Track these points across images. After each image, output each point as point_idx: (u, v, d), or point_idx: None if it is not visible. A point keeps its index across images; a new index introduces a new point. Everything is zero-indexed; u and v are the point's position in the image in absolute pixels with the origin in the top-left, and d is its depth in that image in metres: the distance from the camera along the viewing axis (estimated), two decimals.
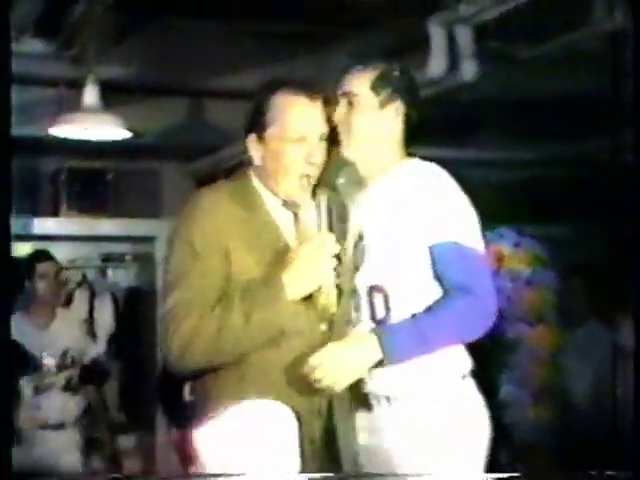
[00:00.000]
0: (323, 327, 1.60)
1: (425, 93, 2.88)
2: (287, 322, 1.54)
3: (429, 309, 1.56)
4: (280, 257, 1.57)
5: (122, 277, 4.42)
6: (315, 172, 1.61)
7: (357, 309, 1.64)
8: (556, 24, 2.58)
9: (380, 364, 1.53)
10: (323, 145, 1.62)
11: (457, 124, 3.42)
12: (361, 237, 1.66)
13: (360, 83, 1.64)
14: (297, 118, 1.59)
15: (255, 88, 1.65)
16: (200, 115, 3.75)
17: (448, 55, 2.71)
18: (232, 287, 1.55)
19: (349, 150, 1.65)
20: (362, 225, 1.66)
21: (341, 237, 1.63)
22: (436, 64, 2.71)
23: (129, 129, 3.15)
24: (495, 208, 1.73)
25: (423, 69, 2.73)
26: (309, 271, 1.53)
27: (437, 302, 1.56)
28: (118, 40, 3.02)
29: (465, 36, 2.68)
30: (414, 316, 1.56)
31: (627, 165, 1.61)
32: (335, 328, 1.61)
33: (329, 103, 1.63)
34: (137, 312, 4.17)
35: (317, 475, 1.52)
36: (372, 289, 1.61)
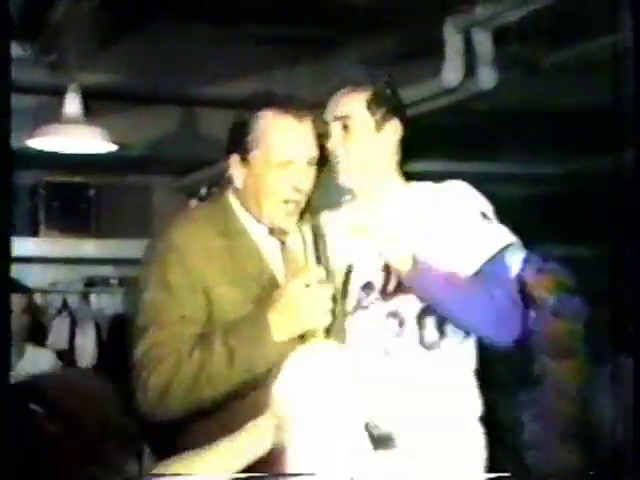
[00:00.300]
0: None
1: (440, 102, 2.91)
2: (275, 362, 1.48)
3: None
4: (267, 291, 1.54)
5: (106, 303, 4.38)
6: (303, 198, 1.59)
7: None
8: (579, 29, 2.56)
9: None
10: (312, 170, 1.60)
11: (473, 136, 3.40)
12: (350, 269, 1.67)
13: (354, 105, 1.64)
14: (284, 140, 1.56)
15: (238, 104, 1.61)
16: (193, 125, 3.74)
17: (464, 61, 2.70)
18: (213, 327, 1.52)
19: (346, 177, 1.65)
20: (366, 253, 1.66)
21: (329, 271, 1.61)
22: (451, 71, 2.70)
23: (115, 141, 3.12)
24: (515, 228, 1.71)
25: (437, 76, 2.72)
26: (298, 313, 1.50)
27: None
28: (103, 44, 2.98)
29: (483, 41, 2.67)
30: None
31: None
32: None
33: (319, 124, 1.62)
34: (123, 342, 4.09)
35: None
36: (423, 312, 1.62)
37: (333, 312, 1.53)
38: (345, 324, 1.65)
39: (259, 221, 1.60)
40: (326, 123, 1.65)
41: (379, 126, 1.64)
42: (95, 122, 3.02)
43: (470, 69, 2.71)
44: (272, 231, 1.61)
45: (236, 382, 1.49)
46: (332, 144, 1.63)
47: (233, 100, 3.44)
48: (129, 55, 3.10)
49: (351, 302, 1.67)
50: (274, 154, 1.56)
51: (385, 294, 1.66)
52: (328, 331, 1.53)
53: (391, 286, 1.65)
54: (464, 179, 1.69)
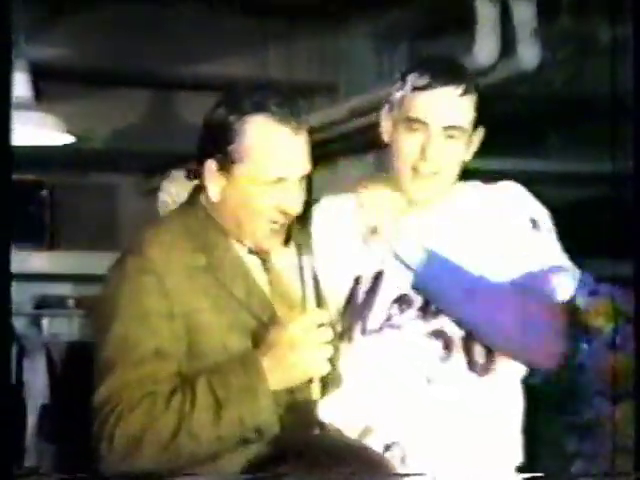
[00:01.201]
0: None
1: None
2: (266, 420, 1.53)
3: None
4: (258, 318, 1.58)
5: (62, 328, 4.40)
6: (290, 219, 1.62)
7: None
8: None
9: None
10: (302, 186, 1.62)
11: (513, 126, 3.40)
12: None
13: (466, 113, 1.71)
14: (277, 156, 1.57)
15: (218, 99, 1.61)
16: (168, 113, 3.75)
17: (501, 37, 2.71)
18: (196, 365, 1.53)
19: (426, 191, 1.74)
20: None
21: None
22: (485, 48, 2.71)
23: (72, 131, 3.14)
24: (561, 238, 1.77)
25: (468, 55, 2.72)
26: (297, 361, 1.53)
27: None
28: (58, 12, 3.00)
29: (524, 11, 2.69)
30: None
31: None
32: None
33: (310, 131, 1.65)
34: (81, 376, 4.09)
35: None
36: (470, 335, 1.69)
37: (331, 360, 1.57)
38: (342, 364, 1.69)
39: (236, 239, 1.62)
40: (415, 122, 1.70)
41: (472, 134, 1.74)
42: (48, 108, 3.03)
43: (508, 46, 2.73)
44: (252, 250, 1.63)
45: (223, 439, 1.51)
46: (431, 154, 1.69)
47: (216, 82, 3.48)
48: (90, 28, 3.12)
49: (377, 318, 1.71)
50: (264, 171, 1.57)
51: (426, 312, 1.71)
52: (324, 378, 1.57)
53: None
54: (498, 178, 1.76)
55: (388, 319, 1.71)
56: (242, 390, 1.51)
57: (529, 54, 2.75)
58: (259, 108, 1.57)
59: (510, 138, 3.47)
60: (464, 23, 2.74)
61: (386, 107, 1.80)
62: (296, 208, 1.61)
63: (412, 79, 1.73)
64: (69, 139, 3.18)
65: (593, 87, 3.18)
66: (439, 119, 1.71)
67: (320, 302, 1.63)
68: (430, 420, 1.69)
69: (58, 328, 4.43)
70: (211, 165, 1.58)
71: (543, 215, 1.76)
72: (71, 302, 4.44)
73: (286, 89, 1.66)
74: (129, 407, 1.49)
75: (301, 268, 1.59)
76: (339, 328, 1.70)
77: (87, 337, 4.30)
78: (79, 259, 4.16)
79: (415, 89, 1.72)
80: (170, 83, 3.70)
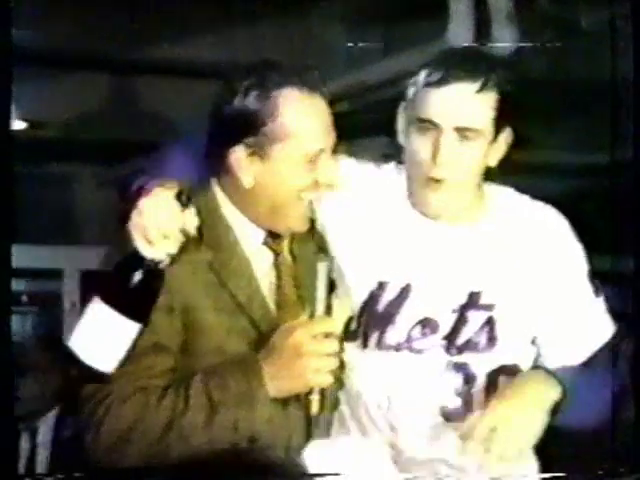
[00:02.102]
0: (300, 439, 1.64)
1: None
2: (261, 428, 1.57)
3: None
4: (255, 324, 1.60)
5: (14, 327, 4.37)
6: (326, 191, 1.65)
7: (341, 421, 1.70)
8: None
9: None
10: (334, 158, 1.66)
11: None
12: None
13: (483, 113, 1.65)
14: (316, 126, 1.61)
15: (242, 74, 1.62)
16: (131, 98, 3.72)
17: (474, 20, 2.77)
18: (190, 364, 1.55)
19: (446, 198, 1.67)
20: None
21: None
22: (459, 32, 2.77)
23: (24, 117, 3.12)
24: None
25: (440, 39, 2.77)
26: (299, 369, 1.55)
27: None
28: None
29: None
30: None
31: None
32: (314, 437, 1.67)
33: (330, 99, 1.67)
34: (35, 380, 4.09)
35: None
36: (499, 372, 1.66)
37: (335, 373, 1.59)
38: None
39: (260, 226, 1.65)
40: (429, 123, 1.63)
41: (495, 136, 1.69)
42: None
43: (482, 31, 2.77)
44: (270, 240, 1.67)
45: (213, 443, 1.53)
46: (442, 158, 1.63)
47: (179, 66, 3.48)
48: (42, 7, 3.10)
49: (396, 334, 1.68)
50: (307, 144, 1.60)
51: (452, 342, 1.67)
52: (323, 392, 1.60)
53: (463, 336, 1.64)
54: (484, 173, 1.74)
55: (408, 340, 1.68)
56: (239, 395, 1.53)
57: (505, 39, 2.76)
58: (285, 82, 1.60)
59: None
60: (437, 5, 2.78)
61: (402, 105, 1.74)
62: (334, 179, 1.64)
63: (425, 74, 1.68)
64: (20, 125, 3.17)
65: (575, 73, 3.20)
66: (450, 119, 1.63)
67: (331, 311, 1.63)
68: (434, 451, 1.68)
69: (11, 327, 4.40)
70: (241, 152, 1.60)
71: (580, 255, 1.73)
72: (24, 299, 4.42)
73: (299, 63, 1.68)
74: (119, 399, 1.52)
75: (317, 273, 1.61)
76: (353, 327, 1.67)
77: (40, 335, 4.29)
78: (32, 253, 4.16)
79: (427, 85, 1.66)
80: (131, 67, 3.68)
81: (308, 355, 1.54)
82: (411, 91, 1.71)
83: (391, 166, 1.77)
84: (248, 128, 1.59)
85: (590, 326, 1.70)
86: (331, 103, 2.43)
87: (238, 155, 1.61)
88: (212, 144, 1.66)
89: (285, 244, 1.68)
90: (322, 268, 1.60)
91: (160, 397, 1.54)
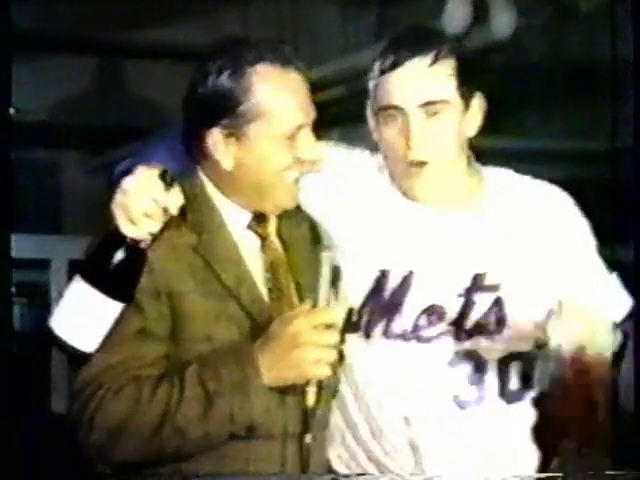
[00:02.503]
0: (297, 429, 1.63)
1: None
2: (258, 417, 1.56)
3: None
4: (245, 309, 1.59)
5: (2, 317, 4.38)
6: (309, 168, 1.64)
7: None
8: None
9: None
10: (313, 135, 1.65)
11: (488, 101, 3.40)
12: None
13: (444, 84, 1.64)
14: (293, 102, 1.59)
15: (213, 54, 1.61)
16: (117, 82, 3.72)
17: (472, 1, 2.78)
18: (180, 353, 1.55)
19: (428, 181, 1.66)
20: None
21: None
22: (454, 14, 2.77)
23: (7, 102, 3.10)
24: None
25: (437, 21, 2.77)
26: (297, 359, 1.54)
27: None
28: None
29: None
30: None
31: None
32: (313, 431, 1.65)
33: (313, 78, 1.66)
34: (23, 373, 4.09)
35: None
36: (510, 358, 1.66)
37: (334, 365, 1.58)
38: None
39: (245, 208, 1.64)
40: (391, 107, 1.63)
41: (466, 105, 1.67)
42: None
43: (480, 13, 2.78)
44: (254, 223, 1.65)
45: (210, 435, 1.53)
46: (415, 139, 1.62)
47: (166, 49, 3.46)
48: None
49: (403, 322, 1.68)
50: (284, 121, 1.58)
51: (460, 329, 1.67)
52: (320, 384, 1.59)
53: (471, 320, 1.65)
54: (477, 157, 1.74)
55: (415, 330, 1.68)
56: (234, 384, 1.52)
57: (503, 21, 2.80)
58: (258, 59, 1.58)
59: (486, 114, 3.47)
60: None
61: (367, 103, 1.74)
62: (316, 155, 1.63)
63: (379, 63, 1.69)
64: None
65: (574, 56, 3.20)
66: (412, 98, 1.63)
67: (331, 301, 1.61)
68: (450, 441, 1.67)
69: None
70: (218, 134, 1.59)
71: (586, 230, 1.73)
72: (11, 290, 4.41)
73: (269, 38, 1.67)
74: (112, 391, 1.51)
75: (319, 263, 1.59)
76: (355, 319, 1.67)
77: (28, 327, 4.28)
78: (18, 242, 4.14)
79: (382, 73, 1.67)
80: (117, 50, 3.67)
81: (307, 345, 1.54)
82: (371, 85, 1.71)
83: (381, 157, 1.77)
84: (223, 109, 1.58)
85: (605, 301, 1.71)
86: (323, 88, 2.42)
87: (215, 138, 1.60)
88: (189, 128, 1.64)
89: (272, 228, 1.67)
90: (326, 258, 1.59)
91: (153, 388, 1.53)
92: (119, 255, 1.52)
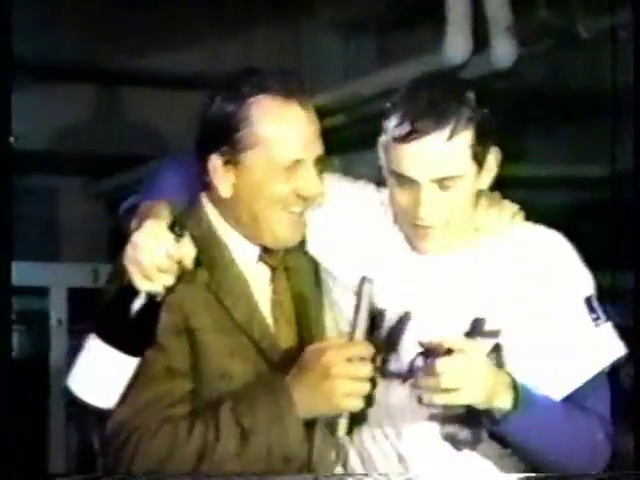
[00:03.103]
0: (332, 457, 1.64)
1: None
2: (295, 448, 1.57)
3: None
4: (258, 345, 1.61)
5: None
6: (309, 207, 1.65)
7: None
8: None
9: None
10: (318, 171, 1.63)
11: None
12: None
13: (459, 158, 1.59)
14: (291, 134, 1.59)
15: (217, 84, 1.63)
16: (116, 110, 3.77)
17: (473, 30, 2.76)
18: (202, 390, 1.57)
19: (434, 244, 1.65)
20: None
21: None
22: (456, 43, 2.76)
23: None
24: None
25: (438, 50, 2.76)
26: (331, 392, 1.55)
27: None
28: None
29: (498, 4, 2.72)
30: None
31: None
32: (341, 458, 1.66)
33: (321, 107, 1.65)
34: (20, 404, 4.08)
35: None
36: None
37: (368, 399, 1.58)
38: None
39: (250, 240, 1.65)
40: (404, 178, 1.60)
41: (480, 166, 1.62)
42: None
43: (481, 41, 2.77)
44: (265, 255, 1.66)
45: (247, 469, 1.54)
46: (425, 210, 1.59)
47: (167, 78, 3.49)
48: (25, 16, 3.13)
49: (399, 363, 1.69)
50: (279, 153, 1.59)
51: None
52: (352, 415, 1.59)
53: None
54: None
55: (411, 370, 1.67)
56: (270, 418, 1.54)
57: (504, 49, 2.77)
58: (260, 88, 1.59)
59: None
60: (434, 15, 2.78)
61: (379, 141, 1.66)
62: (316, 192, 1.62)
63: (390, 127, 1.63)
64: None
65: (575, 83, 3.22)
66: (426, 173, 1.60)
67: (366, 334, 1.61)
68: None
69: None
70: (216, 160, 1.60)
71: (590, 282, 1.69)
72: (11, 317, 4.43)
73: (281, 70, 1.63)
74: (147, 435, 1.52)
75: (359, 295, 1.58)
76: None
77: (26, 354, 4.28)
78: (19, 270, 4.16)
79: (395, 140, 1.61)
80: (117, 78, 3.69)
81: (339, 377, 1.54)
82: (383, 139, 1.65)
83: (386, 192, 1.78)
84: (222, 135, 1.60)
85: (586, 355, 1.71)
86: (326, 115, 2.44)
87: (214, 164, 1.61)
88: (197, 155, 1.63)
89: (280, 258, 1.70)
90: (366, 289, 1.59)
91: (189, 429, 1.53)
92: (134, 310, 1.51)
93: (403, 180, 1.62)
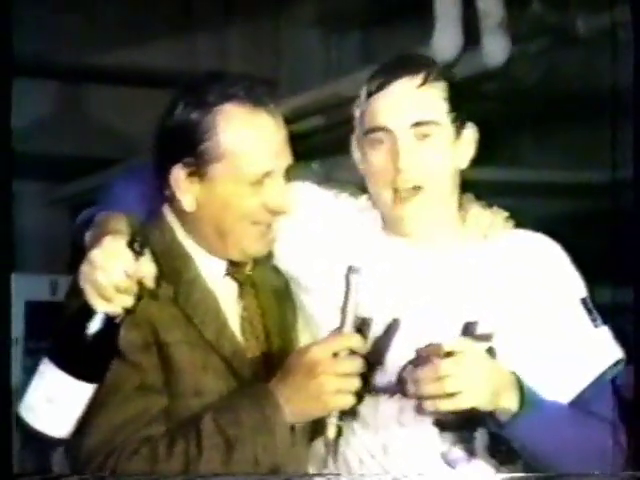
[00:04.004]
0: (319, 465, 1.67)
1: None
2: (283, 456, 1.57)
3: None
4: (230, 364, 1.61)
5: None
6: (278, 218, 1.65)
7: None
8: None
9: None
10: (287, 181, 1.65)
11: (480, 131, 3.43)
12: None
13: (436, 103, 1.67)
14: (261, 146, 1.60)
15: (173, 97, 1.61)
16: (79, 108, 3.76)
17: (464, 27, 2.78)
18: (176, 408, 1.56)
19: (418, 212, 1.67)
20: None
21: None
22: (444, 40, 2.78)
23: None
24: None
25: (425, 47, 2.77)
26: (319, 389, 1.55)
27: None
28: None
29: None
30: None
31: None
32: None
33: (292, 116, 1.70)
34: None
35: None
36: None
37: (359, 395, 1.58)
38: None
39: (214, 255, 1.64)
40: (376, 129, 1.65)
41: (457, 132, 1.69)
42: None
43: (472, 38, 2.80)
44: (233, 269, 1.65)
45: (235, 478, 1.54)
46: (405, 162, 1.64)
47: (137, 76, 3.48)
48: None
49: (386, 376, 1.68)
50: (248, 166, 1.59)
51: None
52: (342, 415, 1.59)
53: None
54: (467, 190, 1.75)
55: (399, 382, 1.67)
56: (255, 426, 1.54)
57: (496, 47, 2.80)
58: (227, 96, 1.58)
59: (478, 144, 3.50)
60: (422, 10, 2.79)
61: (353, 132, 1.73)
62: (285, 204, 1.63)
63: (366, 87, 1.70)
64: None
65: (571, 83, 3.24)
66: (401, 118, 1.65)
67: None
68: None
69: None
70: (179, 172, 1.59)
71: (582, 285, 1.73)
72: None
73: (247, 75, 1.65)
74: (126, 454, 1.52)
75: (347, 286, 1.58)
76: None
77: None
78: None
79: (369, 95, 1.68)
80: (81, 75, 3.69)
81: (326, 374, 1.54)
82: (357, 112, 1.72)
83: (364, 198, 1.80)
84: (186, 145, 1.59)
85: (586, 358, 1.73)
86: (306, 116, 2.42)
87: (177, 176, 1.60)
88: (158, 163, 1.63)
89: (248, 272, 1.69)
90: (354, 280, 1.58)
91: (169, 446, 1.54)
92: (90, 333, 1.50)
93: (379, 137, 1.65)
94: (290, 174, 1.65)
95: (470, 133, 1.70)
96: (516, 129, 3.55)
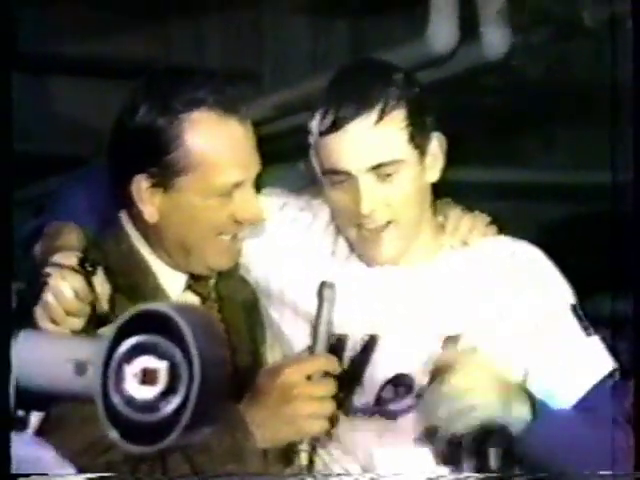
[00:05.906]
0: None
1: (425, 77, 2.90)
2: None
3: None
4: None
5: None
6: (246, 228, 1.68)
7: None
8: None
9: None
10: (256, 190, 1.68)
11: (478, 127, 3.47)
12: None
13: (393, 140, 1.65)
14: (231, 156, 1.62)
15: (134, 96, 1.63)
16: (45, 102, 3.76)
17: (460, 16, 2.77)
18: None
19: (391, 248, 1.69)
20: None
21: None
22: (441, 32, 2.77)
23: None
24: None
25: (420, 39, 2.79)
26: (291, 414, 1.58)
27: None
28: None
29: None
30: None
31: None
32: None
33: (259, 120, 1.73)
34: None
35: None
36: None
37: (332, 419, 1.62)
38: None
39: (176, 269, 1.68)
40: (337, 172, 1.64)
41: (422, 153, 1.68)
42: None
43: (469, 30, 2.80)
44: (196, 284, 1.70)
45: None
46: (367, 206, 1.63)
47: (105, 66, 3.47)
48: None
49: (364, 396, 1.72)
50: (217, 178, 1.61)
51: None
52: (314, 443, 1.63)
53: None
54: (465, 191, 1.81)
55: (378, 403, 1.70)
56: (225, 452, 1.57)
57: (496, 39, 2.79)
58: (194, 102, 1.61)
59: (475, 142, 3.48)
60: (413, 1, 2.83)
61: (310, 154, 1.73)
62: (254, 215, 1.67)
63: (316, 124, 1.68)
64: None
65: (575, 78, 3.23)
66: (359, 162, 1.63)
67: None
68: None
69: None
70: (142, 182, 1.61)
71: (572, 294, 1.77)
72: None
73: (213, 73, 1.69)
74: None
75: (319, 303, 1.62)
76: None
77: None
78: None
79: (321, 134, 1.66)
80: (46, 65, 3.69)
81: (300, 398, 1.58)
82: (311, 140, 1.72)
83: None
84: (150, 154, 1.61)
85: (580, 367, 1.74)
86: (291, 113, 2.42)
87: (139, 185, 1.62)
88: (114, 168, 1.66)
89: (211, 286, 1.71)
90: (327, 296, 1.63)
91: (132, 473, 1.57)
92: None
93: (338, 177, 1.66)
94: (262, 180, 1.70)
95: (436, 145, 1.71)
96: (515, 125, 3.53)
